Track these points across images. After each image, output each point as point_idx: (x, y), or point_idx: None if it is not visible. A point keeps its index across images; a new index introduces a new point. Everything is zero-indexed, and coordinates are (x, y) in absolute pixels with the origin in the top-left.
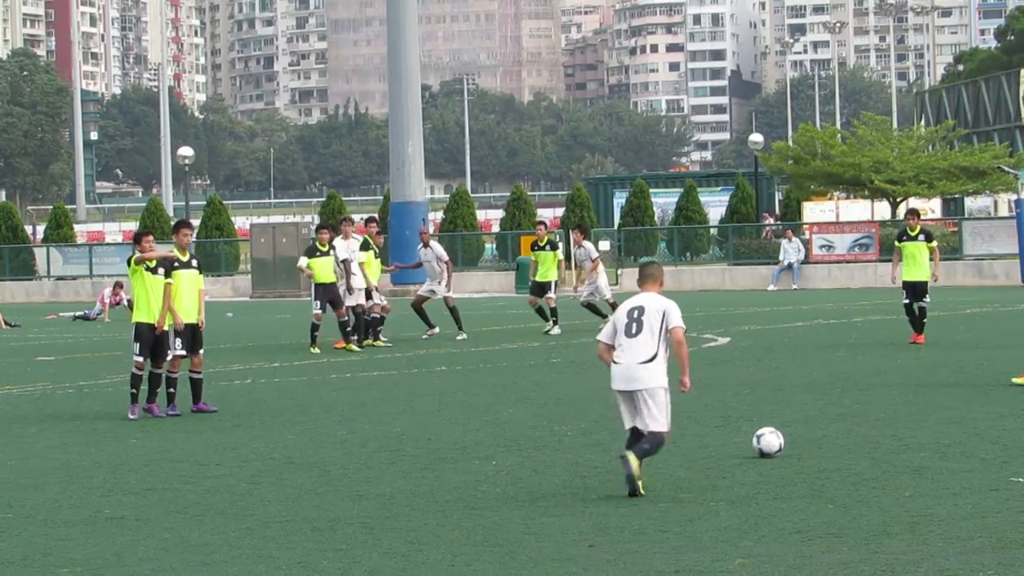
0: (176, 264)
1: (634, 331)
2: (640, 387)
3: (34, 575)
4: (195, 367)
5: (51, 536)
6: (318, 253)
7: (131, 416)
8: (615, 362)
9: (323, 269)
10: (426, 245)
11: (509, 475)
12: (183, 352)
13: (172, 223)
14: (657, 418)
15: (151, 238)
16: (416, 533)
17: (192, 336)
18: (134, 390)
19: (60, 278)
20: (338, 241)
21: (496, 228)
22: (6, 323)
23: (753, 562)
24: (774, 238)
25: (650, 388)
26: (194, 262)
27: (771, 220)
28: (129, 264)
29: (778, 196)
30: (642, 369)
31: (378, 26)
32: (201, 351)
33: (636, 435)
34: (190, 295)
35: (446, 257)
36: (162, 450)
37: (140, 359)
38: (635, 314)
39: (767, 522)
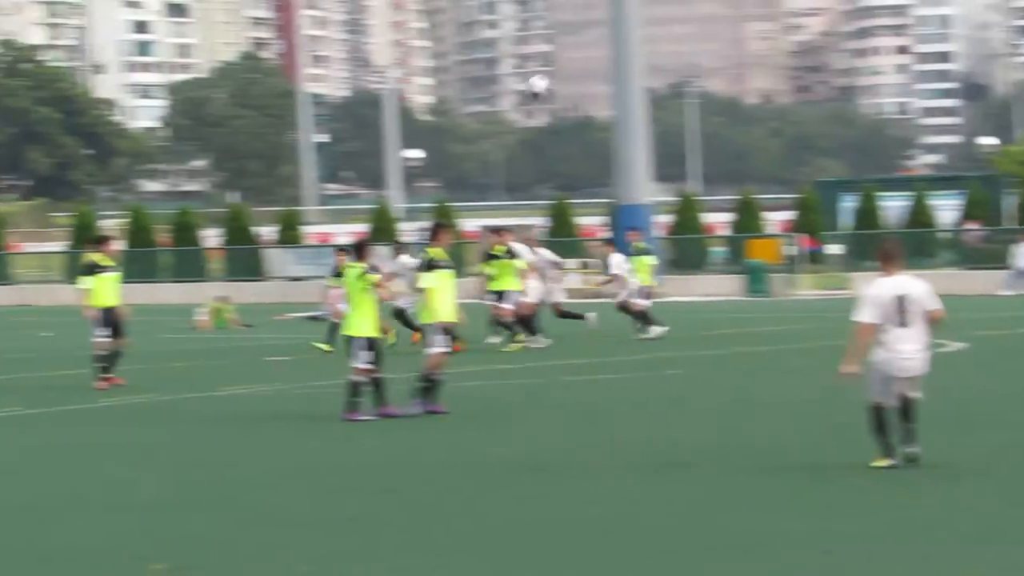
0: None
1: (907, 321)
2: (919, 373)
3: (272, 575)
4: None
5: (289, 536)
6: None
7: (359, 419)
8: (891, 350)
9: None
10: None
11: (742, 479)
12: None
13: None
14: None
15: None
16: (651, 535)
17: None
18: (358, 399)
19: (291, 279)
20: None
21: (724, 231)
22: (241, 324)
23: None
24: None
25: (924, 372)
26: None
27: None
28: (347, 274)
29: (1013, 200)
30: (920, 356)
31: (602, 29)
32: (437, 351)
33: (880, 414)
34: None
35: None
36: (399, 451)
37: (368, 366)
38: (903, 303)
39: (1005, 531)
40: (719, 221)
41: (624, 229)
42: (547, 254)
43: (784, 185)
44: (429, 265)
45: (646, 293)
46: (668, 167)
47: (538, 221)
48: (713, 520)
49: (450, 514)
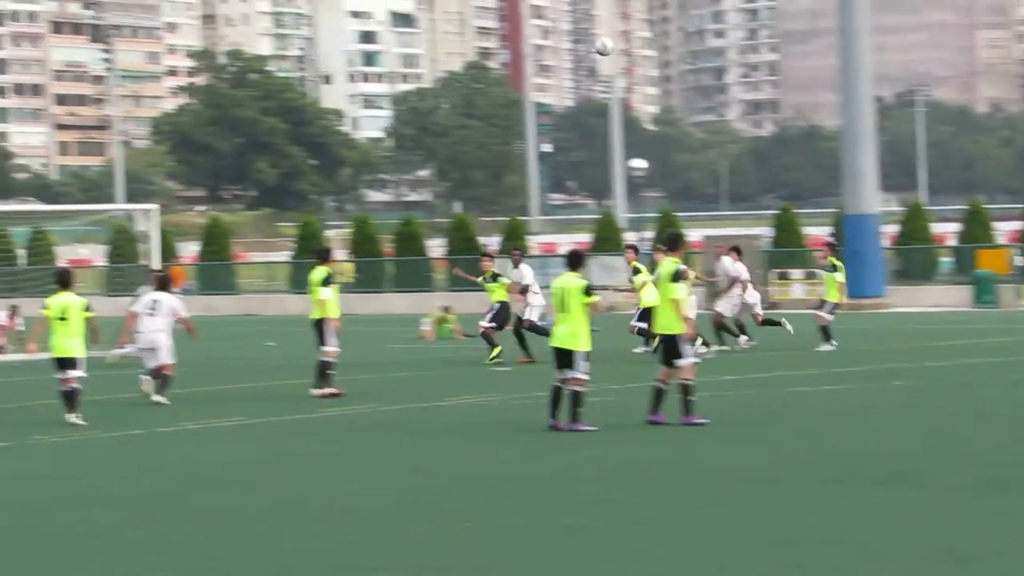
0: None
1: None
2: None
3: None
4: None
5: (509, 546)
6: None
7: (582, 428)
8: None
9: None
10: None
11: (968, 492)
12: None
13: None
14: None
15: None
16: (875, 549)
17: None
18: (581, 408)
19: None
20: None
21: (952, 241)
22: (463, 334)
23: None
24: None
25: None
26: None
27: None
28: (567, 288)
29: None
30: None
31: (830, 37)
32: (684, 363)
33: None
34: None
35: (734, 272)
36: (620, 462)
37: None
38: None
39: None
40: (947, 231)
41: (851, 240)
42: (730, 266)
43: (1014, 195)
44: (676, 276)
45: (831, 308)
46: (895, 176)
47: (762, 231)
48: (936, 533)
49: (669, 525)
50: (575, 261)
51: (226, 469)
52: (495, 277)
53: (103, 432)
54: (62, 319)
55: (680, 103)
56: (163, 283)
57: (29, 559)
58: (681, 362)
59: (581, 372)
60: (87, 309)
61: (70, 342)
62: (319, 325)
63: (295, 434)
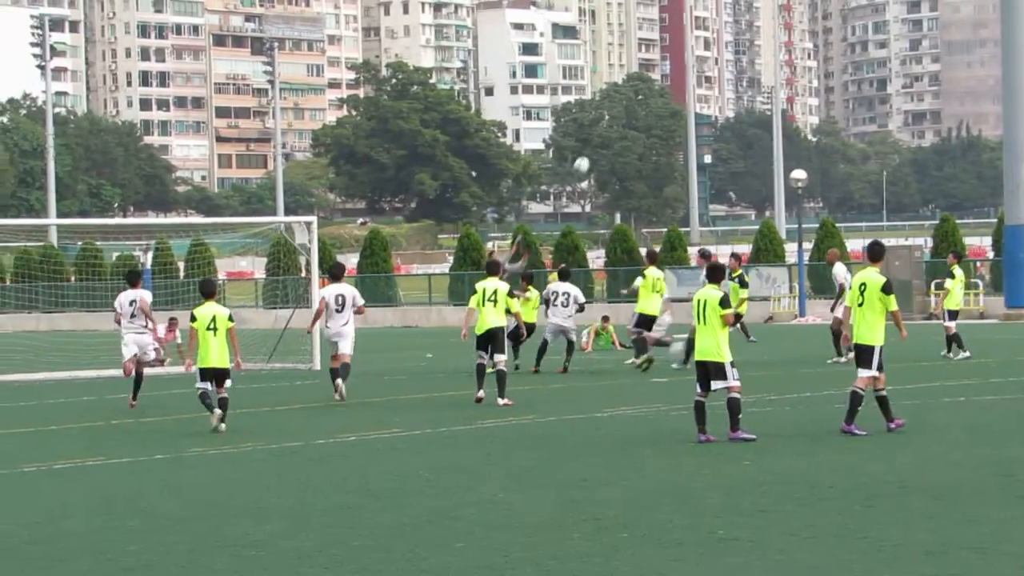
0: None
1: None
2: None
3: None
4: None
5: (664, 556)
6: None
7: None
8: None
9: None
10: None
11: None
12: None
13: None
14: None
15: None
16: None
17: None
18: (740, 415)
19: (673, 299)
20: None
21: None
22: (622, 345)
23: None
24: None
25: None
26: None
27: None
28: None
29: None
30: None
31: (993, 47)
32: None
33: None
34: None
35: (844, 279)
36: (775, 472)
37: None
38: None
39: None
40: None
41: (1014, 250)
42: (842, 274)
43: None
44: (886, 288)
45: (953, 315)
46: None
47: (922, 241)
48: None
49: (827, 535)
50: (715, 273)
51: (384, 480)
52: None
53: (262, 444)
54: (211, 329)
55: (841, 114)
56: (338, 275)
57: (192, 572)
58: (865, 373)
59: (733, 380)
60: (231, 319)
61: (222, 353)
62: (498, 334)
63: (452, 446)
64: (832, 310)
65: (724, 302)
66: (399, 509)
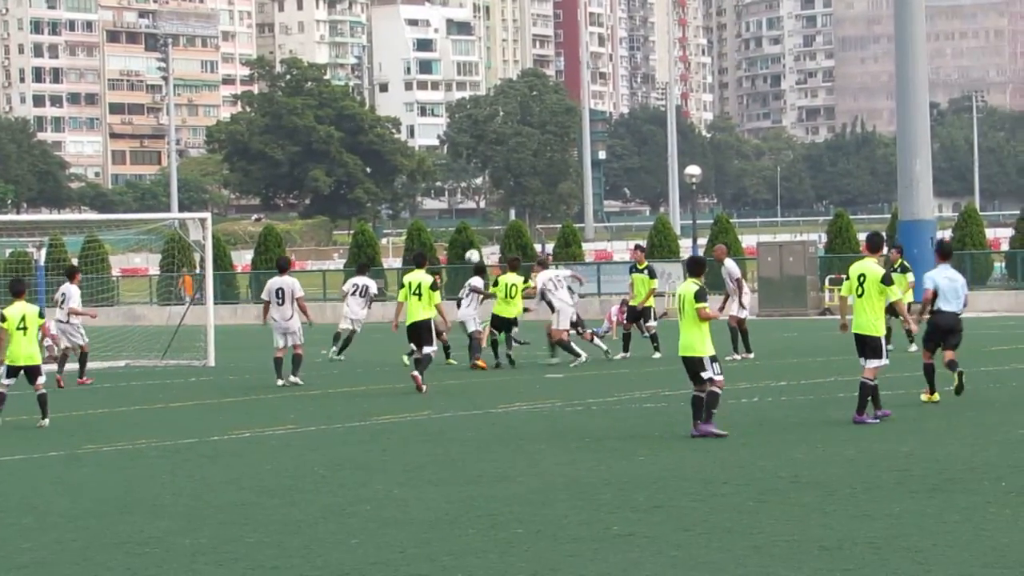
0: None
1: None
2: None
3: None
4: None
5: (559, 552)
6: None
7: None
8: None
9: None
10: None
11: (1021, 497)
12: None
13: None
14: None
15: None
16: (924, 554)
17: None
18: (715, 410)
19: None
20: None
21: (1005, 246)
22: (519, 341)
23: None
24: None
25: None
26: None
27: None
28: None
29: None
30: None
31: (886, 43)
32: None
33: None
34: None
35: (738, 275)
36: (669, 467)
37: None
38: None
39: None
40: (1001, 236)
41: (907, 246)
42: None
43: None
44: (885, 279)
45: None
46: (949, 182)
47: (816, 237)
48: (991, 539)
49: (721, 530)
50: (695, 267)
51: (279, 477)
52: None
53: (156, 441)
54: (21, 328)
55: (735, 110)
56: (284, 267)
57: (87, 570)
58: (873, 363)
59: (715, 375)
60: (41, 316)
61: (32, 350)
62: (424, 326)
63: (347, 442)
64: (722, 309)
65: (700, 296)
66: (294, 505)
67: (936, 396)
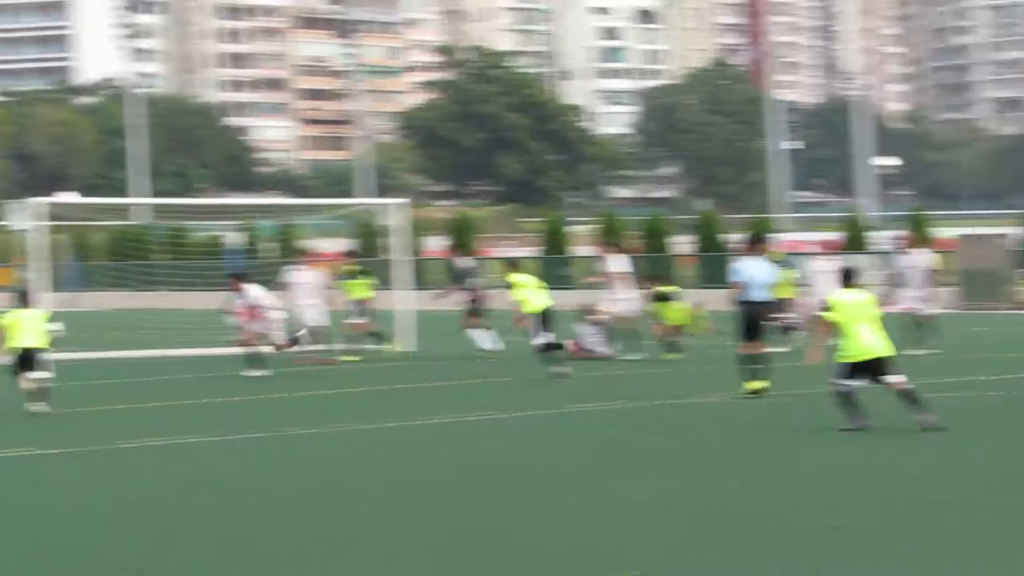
0: None
1: None
2: None
3: None
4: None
5: (761, 544)
6: None
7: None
8: None
9: None
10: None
11: None
12: None
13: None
14: None
15: None
16: None
17: None
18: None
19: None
20: None
21: None
22: (714, 330)
23: None
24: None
25: None
26: None
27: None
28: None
29: None
30: None
31: None
32: None
33: None
34: None
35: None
36: (880, 461)
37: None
38: None
39: None
40: None
41: None
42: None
43: None
44: None
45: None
46: None
47: (1014, 231)
48: None
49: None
50: (850, 278)
51: (477, 468)
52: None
53: (365, 424)
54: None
55: (928, 101)
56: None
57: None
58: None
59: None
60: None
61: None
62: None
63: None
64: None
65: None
66: (499, 495)
67: None
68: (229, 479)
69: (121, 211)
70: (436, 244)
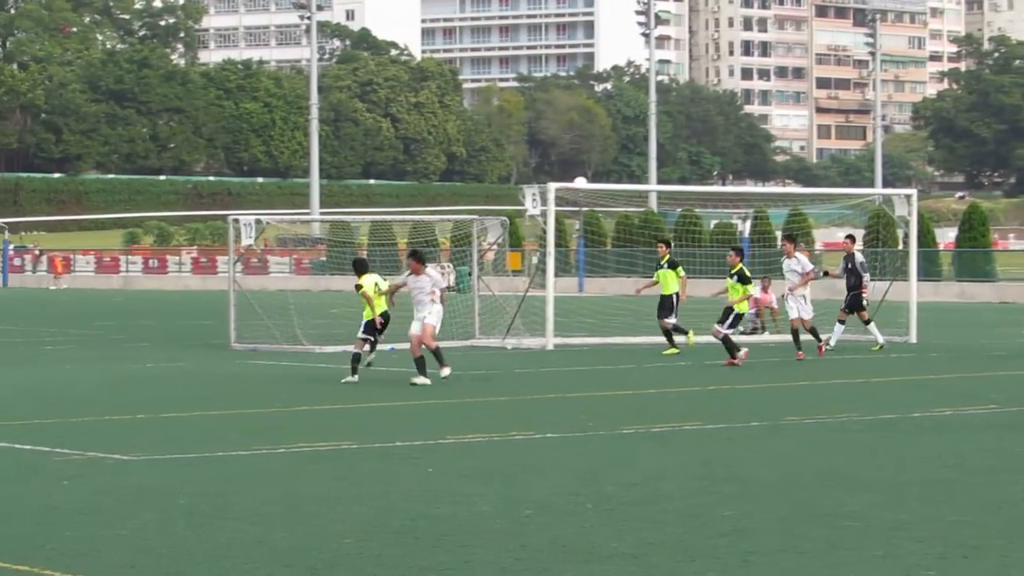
0: None
1: None
2: None
3: None
4: None
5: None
6: None
7: None
8: None
9: None
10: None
11: None
12: None
13: None
14: None
15: None
16: None
17: None
18: None
19: None
20: None
21: None
22: None
23: None
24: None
25: None
26: None
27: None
28: None
29: None
30: None
31: None
32: None
33: None
34: None
35: None
36: None
37: None
38: None
39: None
40: None
41: None
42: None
43: None
44: None
45: None
46: None
47: None
48: None
49: None
50: None
51: (979, 457)
52: (672, 264)
53: (858, 415)
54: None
55: None
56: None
57: (787, 540)
58: None
59: None
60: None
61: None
62: None
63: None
64: None
65: None
66: (996, 486)
67: None
68: (731, 465)
69: (630, 197)
70: (949, 235)
